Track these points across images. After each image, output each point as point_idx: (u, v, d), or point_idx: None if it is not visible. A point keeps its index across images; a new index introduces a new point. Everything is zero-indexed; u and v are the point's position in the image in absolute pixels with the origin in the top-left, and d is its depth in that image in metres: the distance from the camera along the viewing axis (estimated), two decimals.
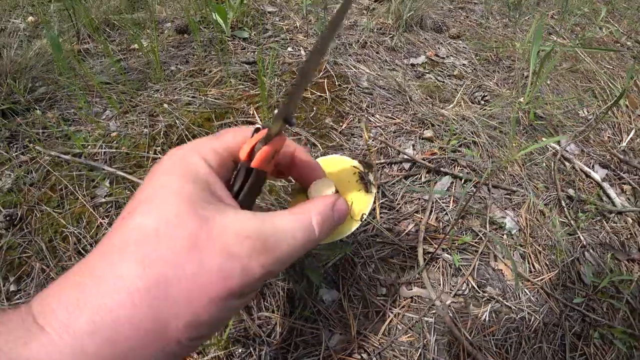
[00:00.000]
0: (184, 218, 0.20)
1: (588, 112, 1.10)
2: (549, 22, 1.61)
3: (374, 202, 0.34)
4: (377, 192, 0.35)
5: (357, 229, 0.31)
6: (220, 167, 0.26)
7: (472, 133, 0.76)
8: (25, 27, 1.22)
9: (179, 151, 0.25)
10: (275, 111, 0.30)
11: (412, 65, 0.93)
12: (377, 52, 0.93)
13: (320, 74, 0.80)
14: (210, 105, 0.73)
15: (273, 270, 0.23)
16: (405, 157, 0.69)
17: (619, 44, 1.76)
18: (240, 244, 0.21)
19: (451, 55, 1.05)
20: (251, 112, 0.71)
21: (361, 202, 0.33)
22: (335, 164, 0.35)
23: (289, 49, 0.92)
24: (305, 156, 0.33)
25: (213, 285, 0.20)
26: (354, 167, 0.35)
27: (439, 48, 1.08)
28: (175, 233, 0.20)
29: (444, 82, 0.91)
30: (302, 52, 0.91)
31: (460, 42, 1.16)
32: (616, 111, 1.15)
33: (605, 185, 0.88)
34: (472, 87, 0.93)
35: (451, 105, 0.81)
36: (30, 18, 1.33)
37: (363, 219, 0.32)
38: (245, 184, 0.26)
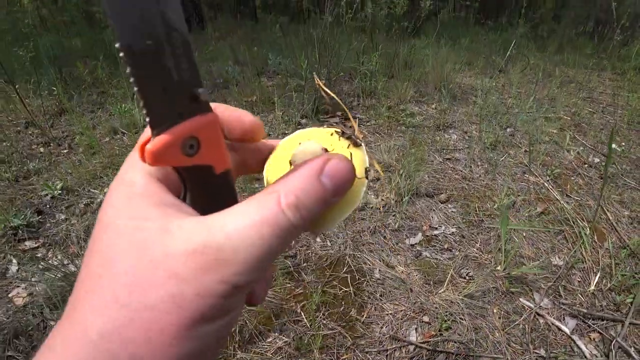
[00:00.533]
0: (122, 255, 0.18)
1: (559, 258, 1.37)
2: (522, 160, 1.95)
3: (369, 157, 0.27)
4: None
5: (366, 191, 0.25)
6: (166, 173, 0.22)
7: (459, 314, 1.04)
8: (102, 200, 1.61)
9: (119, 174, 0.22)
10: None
11: (412, 245, 1.26)
12: (384, 237, 1.27)
13: (345, 268, 1.13)
14: (268, 305, 1.05)
15: (244, 281, 0.18)
16: (411, 341, 0.96)
17: (586, 165, 2.07)
18: (185, 263, 0.18)
19: (442, 224, 1.38)
20: (299, 311, 1.02)
21: (355, 158, 0.25)
22: (300, 137, 0.27)
23: (318, 239, 1.27)
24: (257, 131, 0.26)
25: (169, 317, 0.17)
26: (325, 130, 0.28)
27: (432, 217, 1.42)
28: (117, 270, 0.18)
29: (437, 259, 1.22)
30: (329, 244, 1.25)
31: (450, 205, 1.49)
32: (584, 252, 1.41)
33: (575, 337, 1.11)
34: (460, 258, 1.24)
35: (442, 289, 1.10)
36: (106, 189, 1.74)
37: (368, 176, 0.25)
38: (186, 187, 0.21)
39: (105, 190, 1.64)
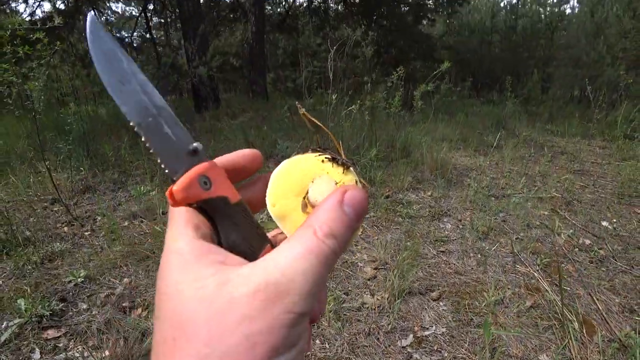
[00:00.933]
0: (192, 315, 0.19)
1: (547, 356, 1.46)
2: (514, 249, 2.10)
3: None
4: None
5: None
6: (198, 226, 0.24)
7: None
8: (122, 290, 1.73)
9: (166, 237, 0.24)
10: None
11: (403, 347, 1.39)
12: (377, 339, 1.41)
13: None
14: None
15: (305, 307, 0.20)
16: None
17: (577, 249, 2.18)
18: (252, 304, 0.19)
19: (433, 324, 1.51)
20: None
21: (352, 182, 0.29)
22: (294, 167, 0.29)
23: (317, 340, 1.41)
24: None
25: (247, 357, 0.18)
26: (316, 157, 0.29)
27: (424, 316, 1.56)
28: (191, 330, 0.19)
29: None
30: (327, 346, 1.39)
31: (441, 303, 1.63)
32: (572, 349, 1.50)
33: None
34: (449, 359, 1.35)
35: None
36: (126, 280, 1.94)
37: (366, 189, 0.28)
38: (216, 226, 0.24)
39: (124, 281, 1.81)
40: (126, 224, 2.41)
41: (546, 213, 2.58)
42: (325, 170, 0.29)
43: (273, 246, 0.25)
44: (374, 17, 7.76)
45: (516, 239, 2.22)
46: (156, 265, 1.90)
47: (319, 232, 0.22)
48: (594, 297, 1.77)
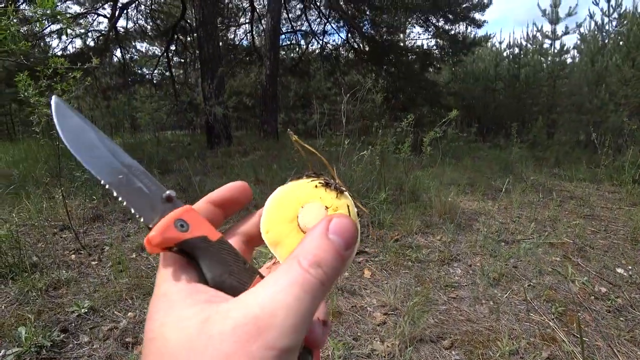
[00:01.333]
0: (173, 358, 0.19)
1: None
2: (527, 296, 2.04)
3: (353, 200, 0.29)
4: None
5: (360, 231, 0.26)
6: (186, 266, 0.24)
7: None
8: (126, 324, 1.68)
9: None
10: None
11: None
12: None
13: None
14: None
15: (288, 343, 0.19)
16: None
17: (592, 297, 2.11)
18: (230, 340, 0.19)
19: None
20: None
21: (344, 206, 0.28)
22: (287, 193, 0.29)
23: None
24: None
25: None
26: (309, 182, 0.29)
27: None
28: None
29: None
30: None
31: (453, 352, 1.57)
32: None
33: None
34: None
35: None
36: (130, 314, 1.88)
37: (358, 217, 0.28)
38: (199, 264, 0.24)
39: (129, 315, 1.77)
40: (134, 255, 2.40)
41: (558, 259, 2.52)
42: (318, 195, 0.28)
43: (263, 278, 0.24)
44: (384, 66, 8.13)
45: (528, 285, 2.16)
46: None
47: (304, 262, 0.21)
48: (614, 349, 1.70)
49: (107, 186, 0.25)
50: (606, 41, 8.88)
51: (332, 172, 0.29)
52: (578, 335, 1.76)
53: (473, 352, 1.58)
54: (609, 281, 2.25)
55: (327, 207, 0.27)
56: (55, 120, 0.26)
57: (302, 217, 0.27)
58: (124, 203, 0.25)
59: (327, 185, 0.29)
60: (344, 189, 0.29)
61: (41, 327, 1.60)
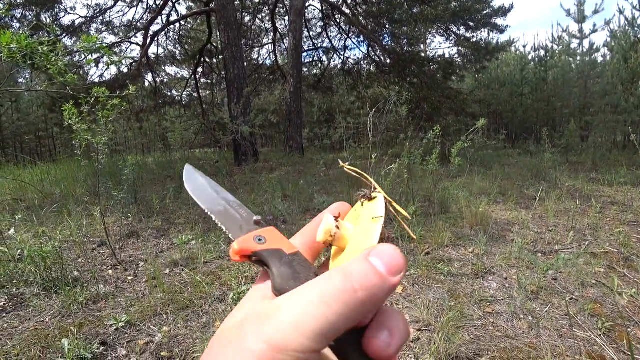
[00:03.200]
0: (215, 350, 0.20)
1: None
2: (569, 310, 1.92)
3: (389, 204, 0.30)
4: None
5: (383, 235, 0.27)
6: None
7: None
8: (161, 339, 1.72)
9: None
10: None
11: None
12: None
13: None
14: None
15: (286, 340, 0.18)
16: None
17: None
18: (233, 331, 0.20)
19: None
20: None
21: (371, 211, 0.29)
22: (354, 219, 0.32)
23: None
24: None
25: None
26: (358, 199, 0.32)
27: None
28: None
29: None
30: None
31: None
32: None
33: None
34: None
35: None
36: (165, 328, 1.93)
37: (379, 220, 0.28)
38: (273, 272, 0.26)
39: (164, 329, 1.80)
40: (167, 271, 2.48)
41: (602, 270, 2.37)
42: (355, 209, 0.33)
43: None
44: (406, 77, 8.12)
45: (570, 299, 2.04)
46: (195, 316, 1.93)
47: (333, 272, 0.21)
48: None
49: (208, 213, 0.32)
50: (639, 36, 8.48)
51: (375, 185, 0.32)
52: (629, 353, 1.64)
53: None
54: None
55: (336, 218, 0.30)
56: (185, 180, 0.36)
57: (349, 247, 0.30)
58: (219, 224, 0.31)
59: (364, 196, 0.32)
60: (372, 195, 0.32)
61: (82, 339, 1.67)
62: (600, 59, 10.21)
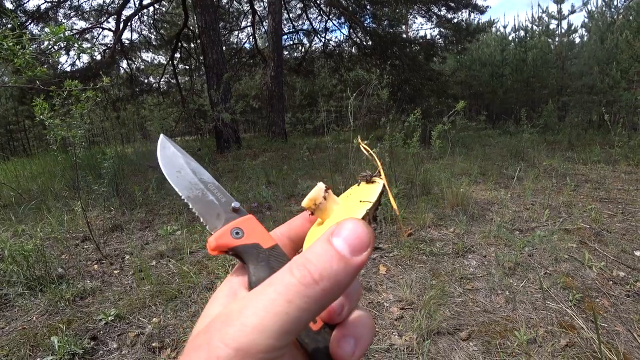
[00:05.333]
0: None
1: None
2: (543, 284, 2.04)
3: (383, 192, 0.28)
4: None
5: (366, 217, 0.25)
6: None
7: None
8: (151, 330, 1.74)
9: None
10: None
11: None
12: None
13: None
14: None
15: (249, 343, 0.17)
16: None
17: (611, 282, 2.09)
18: (199, 335, 0.19)
19: None
20: None
21: (364, 193, 0.28)
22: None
23: None
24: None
25: None
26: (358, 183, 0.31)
27: (453, 357, 1.51)
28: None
29: None
30: None
31: (471, 344, 1.59)
32: None
33: None
34: None
35: None
36: (155, 319, 1.95)
37: (366, 204, 0.27)
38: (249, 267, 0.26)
39: (153, 320, 1.82)
40: (154, 263, 2.47)
41: (574, 245, 2.50)
42: (353, 189, 0.32)
43: None
44: (388, 59, 8.08)
45: (545, 274, 2.15)
46: (184, 305, 1.95)
47: (292, 265, 0.20)
48: (634, 334, 1.69)
49: (184, 199, 0.30)
50: (615, 17, 8.66)
51: (380, 167, 0.31)
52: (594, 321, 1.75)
53: (490, 343, 1.60)
54: (627, 265, 2.23)
55: (327, 189, 0.30)
56: (158, 151, 0.34)
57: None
58: (196, 213, 0.29)
59: (367, 182, 0.31)
60: (371, 179, 0.31)
61: (72, 335, 1.67)
62: (578, 40, 10.41)
